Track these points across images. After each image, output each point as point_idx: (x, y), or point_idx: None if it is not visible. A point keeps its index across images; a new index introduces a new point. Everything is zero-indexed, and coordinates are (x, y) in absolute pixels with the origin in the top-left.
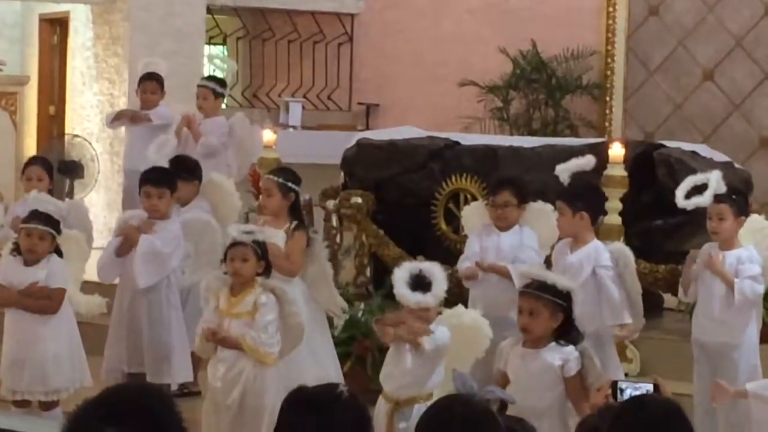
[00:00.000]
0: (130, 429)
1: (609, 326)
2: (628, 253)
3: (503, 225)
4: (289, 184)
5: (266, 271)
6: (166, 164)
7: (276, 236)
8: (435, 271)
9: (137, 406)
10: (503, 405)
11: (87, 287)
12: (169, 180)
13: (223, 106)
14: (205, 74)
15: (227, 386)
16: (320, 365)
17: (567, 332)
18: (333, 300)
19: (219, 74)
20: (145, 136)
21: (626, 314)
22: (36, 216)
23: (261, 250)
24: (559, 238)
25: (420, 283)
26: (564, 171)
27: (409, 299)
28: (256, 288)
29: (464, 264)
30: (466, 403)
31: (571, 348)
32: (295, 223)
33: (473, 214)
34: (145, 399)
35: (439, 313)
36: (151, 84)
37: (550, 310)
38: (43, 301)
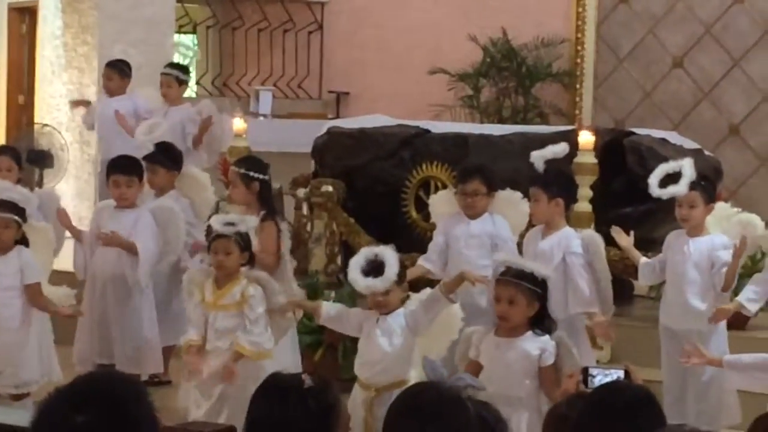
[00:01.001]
0: (99, 417)
1: (579, 313)
2: (599, 240)
3: (472, 213)
4: (251, 173)
5: (250, 262)
6: (152, 147)
7: (252, 224)
8: (387, 255)
9: (107, 395)
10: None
11: (55, 277)
12: (138, 168)
13: (193, 95)
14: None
15: (214, 377)
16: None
17: (541, 320)
18: (290, 291)
19: (183, 61)
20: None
21: (593, 303)
22: (0, 204)
23: (244, 241)
24: (532, 225)
25: (375, 269)
26: (539, 158)
27: (359, 284)
28: (242, 279)
29: (426, 264)
30: (435, 390)
31: (547, 337)
32: (262, 213)
33: (441, 202)
34: (115, 388)
35: (407, 297)
36: (106, 71)
37: (528, 298)
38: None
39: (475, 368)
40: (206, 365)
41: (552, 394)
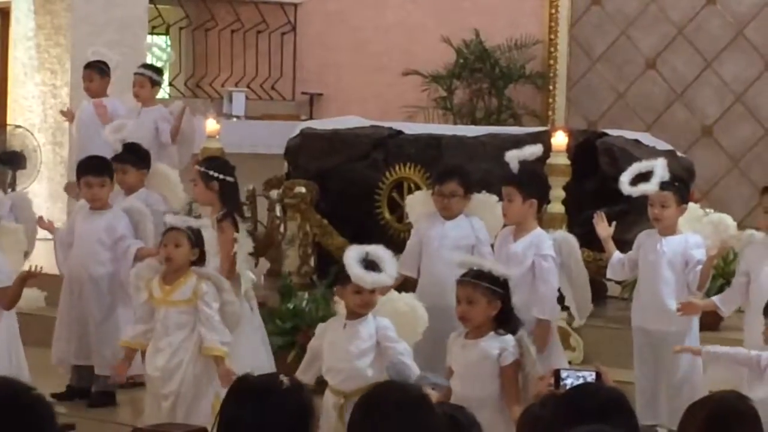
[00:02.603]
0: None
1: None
2: (573, 242)
3: (448, 214)
4: (210, 172)
5: (200, 260)
6: (119, 148)
7: (205, 224)
8: (381, 252)
9: (6, 402)
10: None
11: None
12: (108, 168)
13: (166, 96)
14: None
15: (166, 375)
16: (254, 354)
17: (506, 320)
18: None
19: (157, 63)
20: (97, 127)
21: (554, 311)
22: None
23: (195, 237)
24: (505, 225)
25: (371, 266)
26: (514, 158)
27: (365, 279)
28: (191, 276)
29: (405, 271)
30: (400, 390)
31: (509, 337)
32: (221, 212)
33: (417, 203)
34: (12, 394)
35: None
36: (86, 72)
37: (488, 298)
38: None
39: (450, 373)
40: (149, 363)
41: (510, 394)
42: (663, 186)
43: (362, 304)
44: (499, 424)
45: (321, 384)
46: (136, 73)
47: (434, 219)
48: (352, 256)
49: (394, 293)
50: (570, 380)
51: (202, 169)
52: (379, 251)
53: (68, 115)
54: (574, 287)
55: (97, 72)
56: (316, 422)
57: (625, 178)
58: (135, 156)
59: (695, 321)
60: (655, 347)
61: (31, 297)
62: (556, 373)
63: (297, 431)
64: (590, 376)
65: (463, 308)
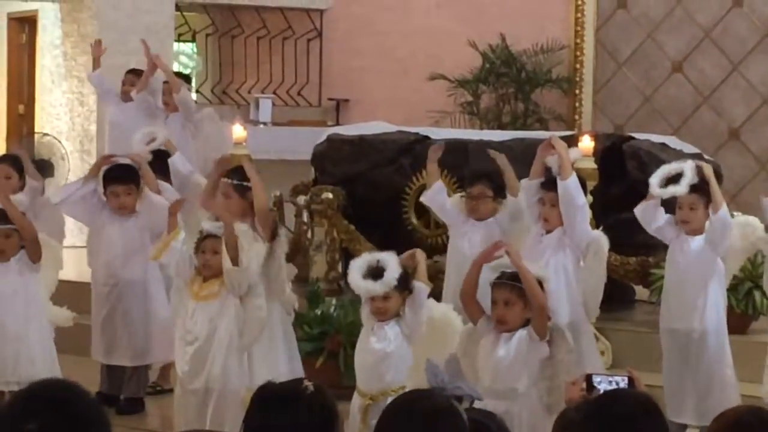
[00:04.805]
0: (47, 425)
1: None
2: (603, 242)
3: (477, 216)
4: (245, 183)
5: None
6: (149, 157)
7: (241, 229)
8: (388, 260)
9: (56, 402)
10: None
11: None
12: (135, 176)
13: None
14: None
15: (194, 369)
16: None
17: None
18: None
19: (184, 71)
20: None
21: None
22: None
23: None
24: (548, 231)
25: (376, 273)
26: (555, 162)
27: (359, 287)
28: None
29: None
30: (428, 398)
31: None
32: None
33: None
34: (64, 394)
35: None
36: (129, 77)
37: (525, 300)
38: None
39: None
40: (178, 360)
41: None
42: (692, 188)
43: (375, 311)
44: (537, 412)
45: (348, 389)
46: (164, 82)
47: (465, 221)
48: (358, 264)
49: (431, 301)
50: (603, 385)
51: (236, 182)
52: (387, 258)
53: (96, 50)
54: (587, 287)
55: (138, 77)
56: (341, 426)
57: (654, 180)
58: (162, 163)
59: (723, 320)
60: (683, 348)
61: (62, 315)
62: (588, 378)
63: None
64: (623, 381)
65: (500, 310)
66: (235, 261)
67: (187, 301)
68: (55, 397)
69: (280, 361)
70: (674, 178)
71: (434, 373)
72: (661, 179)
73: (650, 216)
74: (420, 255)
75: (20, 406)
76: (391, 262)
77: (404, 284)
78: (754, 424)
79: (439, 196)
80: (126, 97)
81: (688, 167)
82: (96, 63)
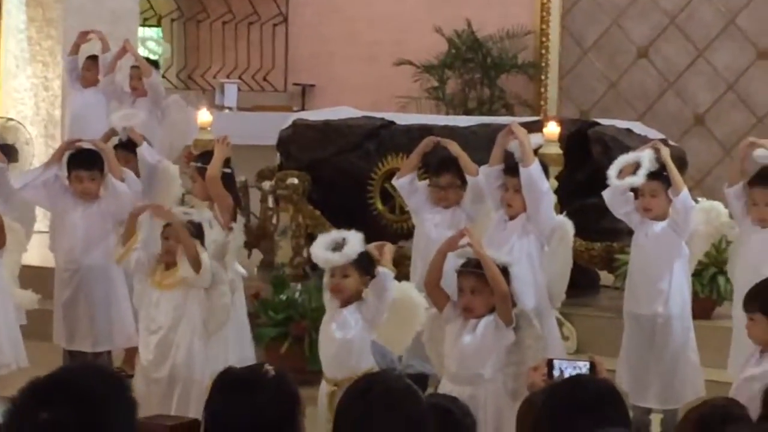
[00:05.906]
0: (67, 414)
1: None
2: (568, 227)
3: (446, 205)
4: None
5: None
6: (124, 137)
7: (206, 217)
8: (354, 237)
9: (79, 391)
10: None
11: (23, 275)
12: (99, 161)
13: None
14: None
15: (158, 358)
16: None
17: None
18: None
19: (151, 56)
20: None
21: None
22: None
23: (196, 229)
24: (512, 217)
25: (338, 248)
26: (517, 148)
27: (319, 258)
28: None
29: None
30: (382, 381)
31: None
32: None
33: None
34: (87, 381)
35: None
36: (87, 63)
37: (491, 287)
38: None
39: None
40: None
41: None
42: (651, 176)
43: (332, 288)
44: (502, 398)
45: (313, 374)
46: (132, 67)
47: (431, 209)
48: (322, 239)
49: (393, 282)
50: (565, 371)
51: (200, 164)
52: (351, 235)
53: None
54: (553, 273)
55: (96, 63)
56: (303, 411)
57: (612, 171)
58: (132, 145)
59: (688, 304)
60: (647, 332)
61: (26, 297)
62: (550, 363)
63: (284, 420)
64: (584, 367)
65: (467, 298)
66: (196, 267)
67: (151, 290)
68: (76, 386)
69: (230, 349)
70: (632, 167)
71: (382, 354)
72: (619, 169)
73: (618, 201)
74: (389, 249)
75: (34, 395)
76: (356, 239)
77: (365, 265)
78: (716, 422)
79: (411, 185)
80: (86, 82)
81: (645, 156)
82: (75, 49)
